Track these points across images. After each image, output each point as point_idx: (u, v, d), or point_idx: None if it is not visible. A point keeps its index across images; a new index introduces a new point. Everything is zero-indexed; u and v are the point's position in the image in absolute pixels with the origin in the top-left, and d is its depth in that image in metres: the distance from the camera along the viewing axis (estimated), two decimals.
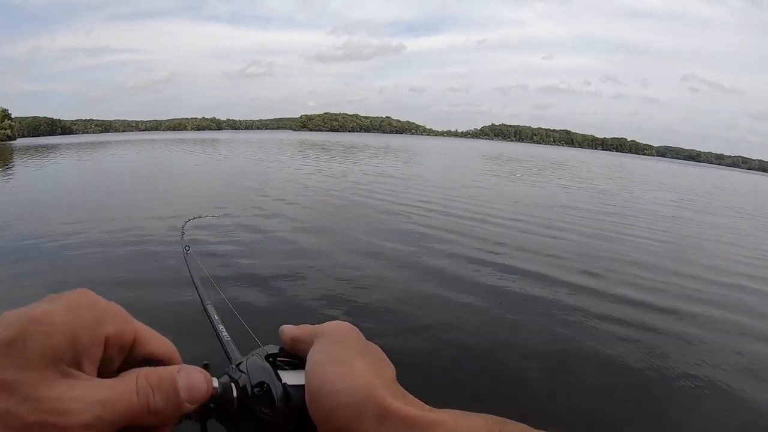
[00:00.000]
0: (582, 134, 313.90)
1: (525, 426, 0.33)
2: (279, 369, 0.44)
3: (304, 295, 5.68)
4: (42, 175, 24.59)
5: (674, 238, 11.73)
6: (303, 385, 0.41)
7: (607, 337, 5.00)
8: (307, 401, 0.39)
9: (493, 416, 0.34)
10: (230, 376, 0.44)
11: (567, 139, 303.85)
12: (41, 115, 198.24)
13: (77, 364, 0.30)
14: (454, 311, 5.47)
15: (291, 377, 0.43)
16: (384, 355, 0.43)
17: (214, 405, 0.40)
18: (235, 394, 0.42)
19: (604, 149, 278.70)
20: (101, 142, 75.08)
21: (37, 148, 58.49)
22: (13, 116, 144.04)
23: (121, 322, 0.35)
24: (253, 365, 0.45)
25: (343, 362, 0.39)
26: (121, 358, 0.35)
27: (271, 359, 0.45)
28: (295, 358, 0.46)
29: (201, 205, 11.46)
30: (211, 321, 0.84)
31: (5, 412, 0.26)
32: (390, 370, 0.41)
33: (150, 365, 0.36)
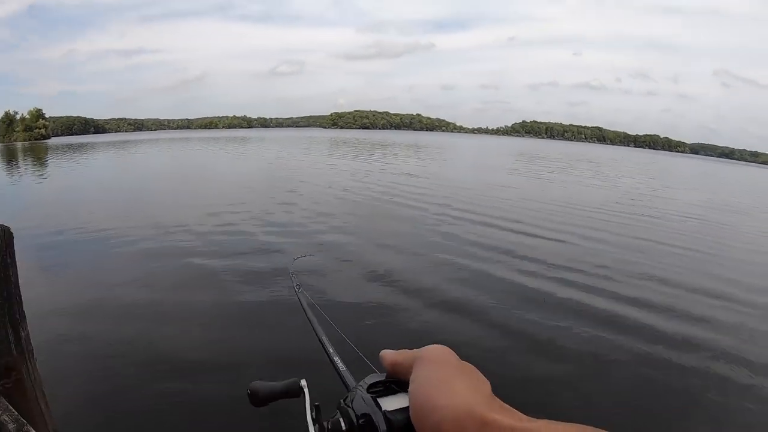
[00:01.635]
0: (614, 131, 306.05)
1: None
2: (380, 397, 0.51)
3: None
4: (74, 173, 25.73)
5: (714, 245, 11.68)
6: (403, 408, 0.48)
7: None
8: (412, 419, 0.43)
9: (586, 426, 0.35)
10: (340, 413, 0.54)
11: (599, 136, 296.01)
12: (75, 115, 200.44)
13: None
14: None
15: (391, 403, 0.50)
16: (479, 372, 0.46)
17: None
18: (344, 427, 0.52)
19: (636, 146, 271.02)
20: (134, 141, 77.02)
21: (70, 146, 61.11)
22: (47, 116, 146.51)
23: None
24: (357, 399, 0.52)
25: (445, 382, 0.43)
26: None
27: (372, 390, 0.52)
28: (396, 382, 0.52)
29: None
30: (328, 354, 0.88)
31: None
32: (486, 386, 0.43)
33: None
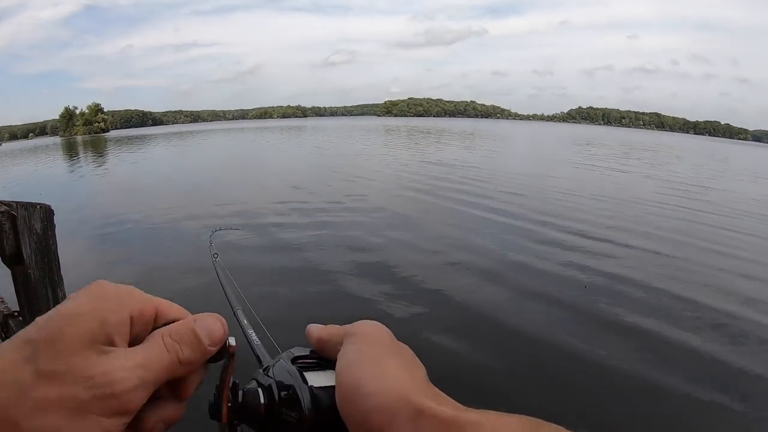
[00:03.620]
0: (673, 117, 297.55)
1: (560, 427, 0.33)
2: (306, 371, 0.44)
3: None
4: (132, 164, 26.78)
5: None
6: (331, 387, 0.41)
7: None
8: (338, 403, 0.38)
9: (528, 417, 0.34)
10: (258, 381, 0.44)
11: (657, 122, 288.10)
12: (132, 108, 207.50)
13: (111, 343, 0.33)
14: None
15: (318, 379, 0.43)
16: (414, 355, 0.42)
17: (243, 410, 0.42)
18: (262, 399, 0.42)
19: (696, 133, 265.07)
20: (190, 132, 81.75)
21: (129, 139, 67.28)
22: (106, 110, 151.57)
23: (141, 300, 0.37)
24: (280, 369, 0.45)
25: (376, 363, 0.38)
26: (148, 331, 0.37)
27: (298, 362, 0.45)
28: (322, 358, 0.46)
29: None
30: (241, 326, 0.84)
31: (64, 398, 0.30)
32: (421, 370, 0.40)
33: None
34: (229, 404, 0.41)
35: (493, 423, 0.33)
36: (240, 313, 0.91)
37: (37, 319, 0.33)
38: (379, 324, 0.43)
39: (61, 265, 2.28)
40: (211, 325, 0.38)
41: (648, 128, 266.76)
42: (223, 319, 0.40)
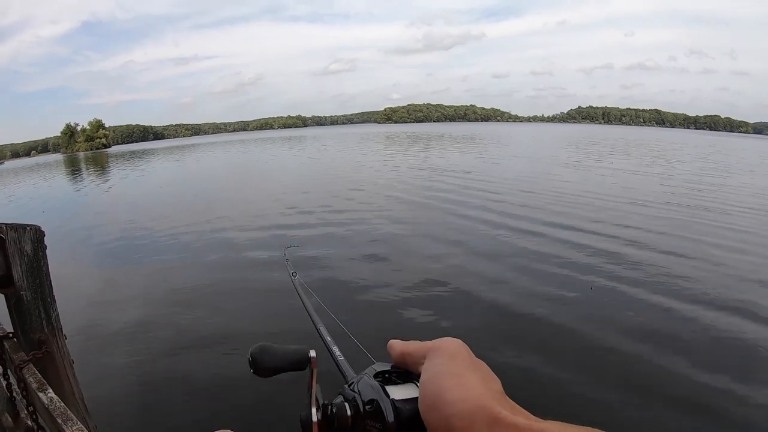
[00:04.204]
0: (673, 113, 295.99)
1: None
2: (388, 385, 0.48)
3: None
4: (131, 179, 27.01)
5: None
6: (411, 398, 0.45)
7: None
8: (422, 410, 0.42)
9: (597, 430, 0.35)
10: (344, 396, 0.50)
11: (657, 119, 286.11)
12: (134, 123, 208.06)
13: None
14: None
15: (399, 392, 0.47)
16: (490, 370, 0.45)
17: (332, 423, 0.48)
18: (348, 412, 0.48)
19: (696, 128, 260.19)
20: (191, 145, 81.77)
21: (131, 154, 67.33)
22: (107, 125, 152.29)
23: None
24: (364, 384, 0.49)
25: (458, 375, 0.41)
26: None
27: (379, 377, 0.49)
28: (401, 372, 0.49)
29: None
30: (325, 343, 0.87)
31: None
32: (497, 383, 0.43)
33: None
34: (319, 418, 0.48)
35: None
36: (323, 330, 0.94)
37: None
38: (460, 341, 0.46)
39: (53, 286, 2.29)
40: None
41: (648, 125, 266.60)
42: None
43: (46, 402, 1.65)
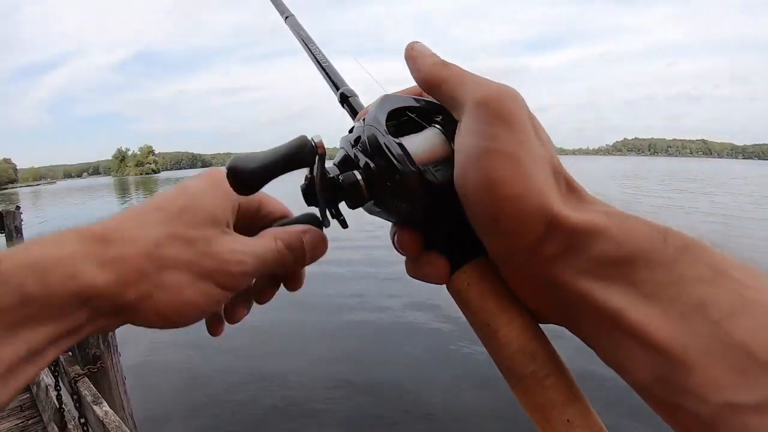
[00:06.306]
0: (720, 143, 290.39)
1: (685, 235, 0.27)
2: (403, 135, 0.33)
3: None
4: None
5: None
6: (441, 160, 0.32)
7: None
8: (462, 195, 0.30)
9: (657, 224, 0.28)
10: (349, 154, 0.36)
11: (704, 149, 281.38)
12: (183, 150, 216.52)
13: (227, 226, 0.35)
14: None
15: (422, 149, 0.32)
16: (548, 134, 0.33)
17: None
18: (363, 184, 0.33)
19: (744, 158, 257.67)
20: None
21: (180, 180, 64.77)
22: (157, 152, 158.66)
23: None
24: (372, 140, 0.33)
25: (517, 159, 0.29)
26: (250, 221, 0.39)
27: (394, 120, 0.34)
28: (423, 105, 0.36)
29: None
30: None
31: (192, 262, 0.32)
32: (556, 158, 0.31)
33: (272, 223, 0.39)
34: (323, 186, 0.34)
35: (618, 229, 0.27)
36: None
37: (159, 192, 0.36)
38: (516, 92, 0.32)
39: None
40: (317, 244, 0.38)
41: (695, 156, 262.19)
42: (327, 238, 0.39)
43: (101, 415, 1.70)
